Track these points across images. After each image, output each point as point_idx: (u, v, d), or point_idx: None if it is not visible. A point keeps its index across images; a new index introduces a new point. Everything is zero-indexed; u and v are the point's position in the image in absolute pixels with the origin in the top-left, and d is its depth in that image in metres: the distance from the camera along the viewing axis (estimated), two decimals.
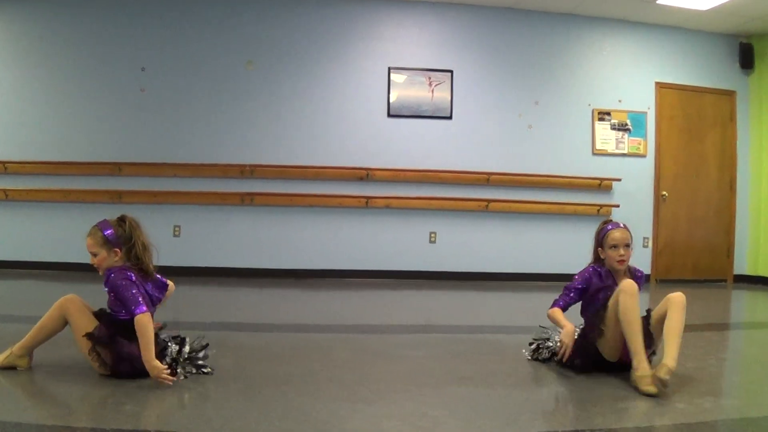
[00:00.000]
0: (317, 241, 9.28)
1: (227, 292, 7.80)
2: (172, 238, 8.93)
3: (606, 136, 9.84)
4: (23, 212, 8.91)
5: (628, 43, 10.02)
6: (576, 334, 4.31)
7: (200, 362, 3.91)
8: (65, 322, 3.77)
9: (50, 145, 8.94)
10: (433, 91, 9.50)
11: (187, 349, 3.91)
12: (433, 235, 9.46)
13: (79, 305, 3.78)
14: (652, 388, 3.62)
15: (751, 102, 10.29)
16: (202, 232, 9.08)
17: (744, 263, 10.35)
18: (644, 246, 9.87)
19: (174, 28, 9.21)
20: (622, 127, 9.86)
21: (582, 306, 4.33)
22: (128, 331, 3.67)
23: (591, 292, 4.25)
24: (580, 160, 9.76)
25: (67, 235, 8.66)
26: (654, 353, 4.19)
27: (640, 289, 4.09)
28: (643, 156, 9.92)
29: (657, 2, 9.14)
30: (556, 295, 4.40)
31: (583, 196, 9.69)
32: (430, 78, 9.50)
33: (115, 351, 3.65)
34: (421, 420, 3.21)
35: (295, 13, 9.34)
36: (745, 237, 10.33)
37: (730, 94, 10.28)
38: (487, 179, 9.46)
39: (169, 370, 3.63)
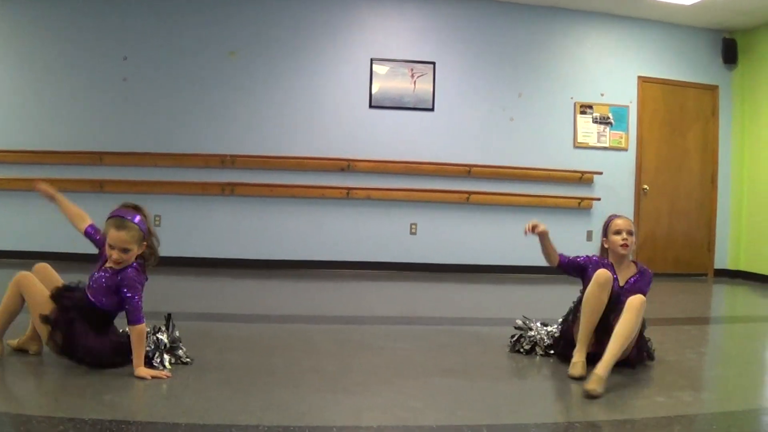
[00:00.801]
0: (298, 232, 9.25)
1: (209, 283, 7.77)
2: (154, 228, 8.87)
3: (588, 129, 9.86)
4: (3, 201, 8.83)
5: (611, 36, 10.03)
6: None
7: (180, 352, 3.89)
8: (23, 299, 3.72)
9: (31, 134, 8.83)
10: (415, 82, 9.48)
11: (165, 338, 3.87)
12: (413, 226, 9.46)
13: (32, 281, 3.71)
14: (589, 386, 3.56)
15: (733, 97, 10.32)
16: (184, 222, 9.03)
17: (725, 257, 10.40)
18: None
19: (156, 17, 9.12)
20: (604, 121, 9.88)
21: (578, 298, 4.32)
22: (94, 317, 3.63)
23: (589, 275, 4.24)
24: (561, 153, 9.76)
25: (48, 225, 8.57)
26: (651, 357, 4.30)
27: (646, 289, 4.16)
28: (625, 150, 9.95)
29: None
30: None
31: (564, 189, 9.70)
32: (412, 69, 9.48)
33: (69, 336, 3.60)
34: (403, 411, 3.21)
35: (278, 3, 9.28)
36: (726, 231, 10.38)
37: (712, 89, 10.31)
38: (468, 171, 9.46)
39: (161, 371, 3.64)
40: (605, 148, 9.87)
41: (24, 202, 8.76)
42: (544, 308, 5.51)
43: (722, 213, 10.35)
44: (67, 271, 4.07)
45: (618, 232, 4.31)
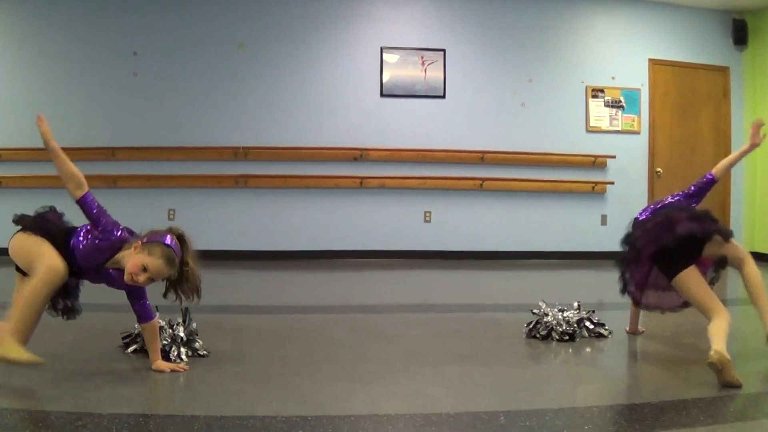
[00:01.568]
0: (312, 223, 9.26)
1: (223, 275, 7.79)
2: (167, 222, 8.90)
3: (600, 113, 9.81)
4: (18, 199, 8.86)
5: (621, 19, 9.97)
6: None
7: (196, 345, 3.91)
8: (23, 272, 3.62)
9: None
10: (425, 70, 9.45)
11: (181, 331, 3.89)
12: (428, 214, 9.46)
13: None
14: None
15: (744, 78, 10.25)
16: (197, 215, 9.04)
17: (739, 239, 10.21)
18: None
19: (165, 11, 9.13)
20: (615, 104, 9.83)
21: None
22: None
23: None
24: (574, 138, 9.72)
25: None
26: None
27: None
28: (637, 133, 9.90)
29: None
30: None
31: (577, 174, 9.66)
32: (422, 57, 9.46)
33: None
34: (420, 398, 3.22)
35: None
36: (740, 212, 10.31)
37: (723, 71, 10.24)
38: (481, 158, 9.44)
39: (178, 365, 3.65)
40: (618, 132, 9.82)
41: (39, 199, 8.76)
42: (559, 294, 5.49)
43: (736, 194, 10.27)
44: None
45: None
